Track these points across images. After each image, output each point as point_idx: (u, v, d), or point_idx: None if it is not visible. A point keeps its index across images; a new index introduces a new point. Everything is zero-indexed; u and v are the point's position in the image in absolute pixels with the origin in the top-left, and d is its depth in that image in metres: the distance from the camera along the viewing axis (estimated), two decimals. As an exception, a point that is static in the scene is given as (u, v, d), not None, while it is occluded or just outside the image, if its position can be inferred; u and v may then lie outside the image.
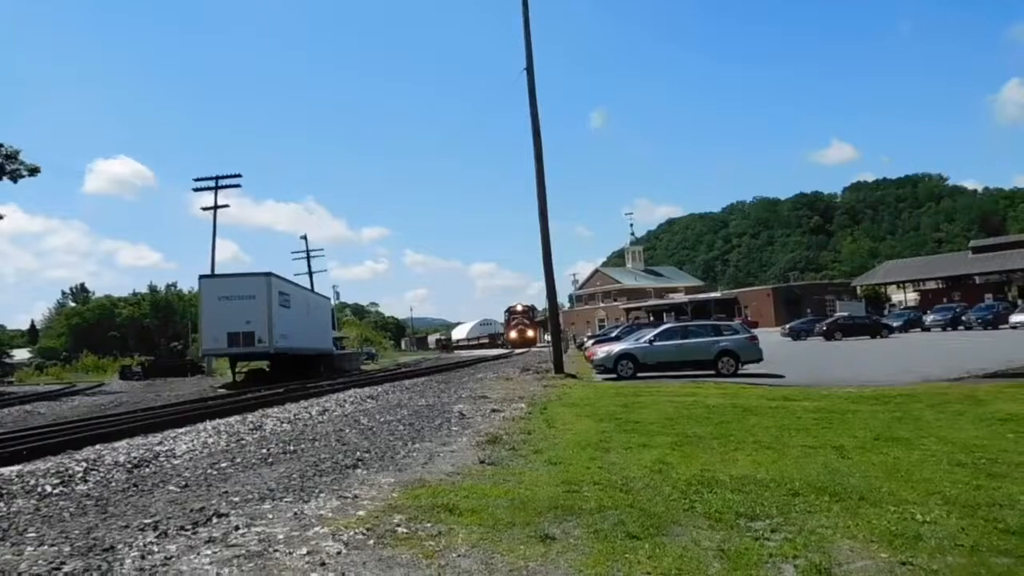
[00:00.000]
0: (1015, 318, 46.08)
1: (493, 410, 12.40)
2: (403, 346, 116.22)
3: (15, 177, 31.63)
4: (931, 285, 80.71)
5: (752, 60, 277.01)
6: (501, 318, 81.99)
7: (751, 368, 20.57)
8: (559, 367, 23.31)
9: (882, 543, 4.35)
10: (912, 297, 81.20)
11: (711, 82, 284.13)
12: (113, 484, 7.05)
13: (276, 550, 4.42)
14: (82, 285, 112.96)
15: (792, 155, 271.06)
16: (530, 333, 67.91)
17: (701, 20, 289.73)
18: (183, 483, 6.86)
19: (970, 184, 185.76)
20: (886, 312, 66.34)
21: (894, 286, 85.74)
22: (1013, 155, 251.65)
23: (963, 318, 50.08)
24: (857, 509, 5.15)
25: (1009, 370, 17.53)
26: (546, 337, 52.64)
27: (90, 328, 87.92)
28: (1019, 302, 57.90)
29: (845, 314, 53.89)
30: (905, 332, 48.62)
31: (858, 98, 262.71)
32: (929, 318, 52.82)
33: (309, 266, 60.79)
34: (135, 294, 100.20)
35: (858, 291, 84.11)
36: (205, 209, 45.32)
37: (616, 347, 22.87)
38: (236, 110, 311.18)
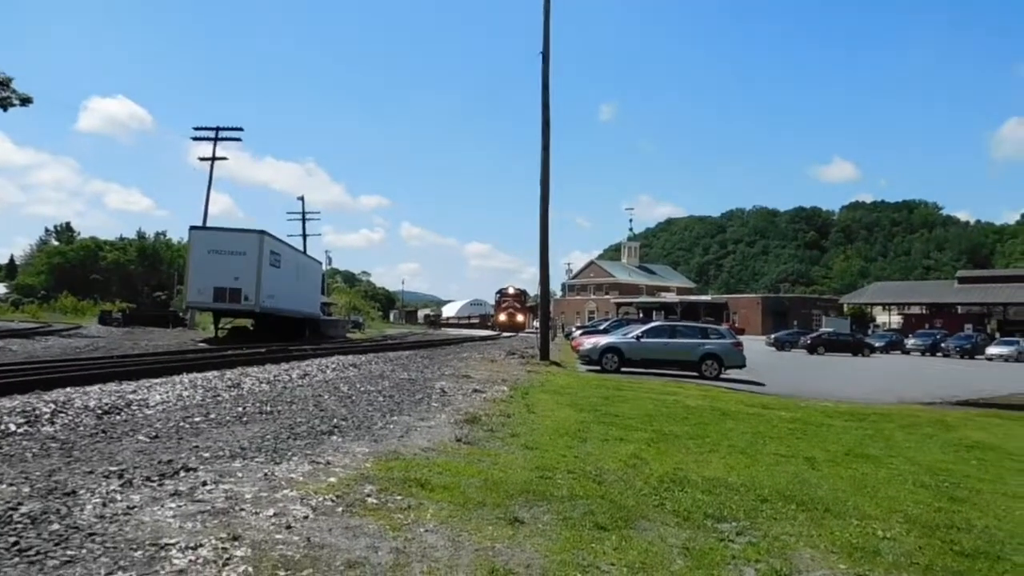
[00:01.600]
0: (991, 350, 47.02)
1: (475, 390, 12.42)
2: (391, 318, 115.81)
3: (5, 105, 30.75)
4: (915, 310, 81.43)
5: (765, 69, 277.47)
6: (492, 300, 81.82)
7: (734, 373, 20.70)
8: (545, 354, 23.36)
9: (842, 554, 4.41)
10: (896, 320, 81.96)
11: (724, 87, 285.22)
12: (81, 429, 6.98)
13: (242, 509, 4.40)
14: (67, 224, 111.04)
15: (795, 168, 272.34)
16: (519, 317, 67.76)
17: (720, 24, 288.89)
18: (153, 434, 6.82)
19: (963, 215, 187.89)
20: (870, 332, 66.92)
21: (880, 307, 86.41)
22: (1006, 191, 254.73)
23: (942, 345, 50.76)
24: (822, 520, 5.21)
25: (979, 399, 17.89)
26: (535, 323, 52.69)
27: (72, 269, 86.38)
28: (997, 335, 58.79)
29: (830, 330, 54.40)
30: (886, 353, 49.12)
31: (863, 118, 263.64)
32: (910, 342, 53.50)
33: (304, 228, 60.43)
34: (122, 239, 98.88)
35: (845, 308, 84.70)
36: (202, 159, 44.90)
37: (603, 340, 22.96)
38: (244, 63, 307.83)
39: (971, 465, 8.32)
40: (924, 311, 79.15)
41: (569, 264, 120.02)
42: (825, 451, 8.51)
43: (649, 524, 4.76)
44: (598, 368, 20.64)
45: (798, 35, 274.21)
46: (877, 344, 50.21)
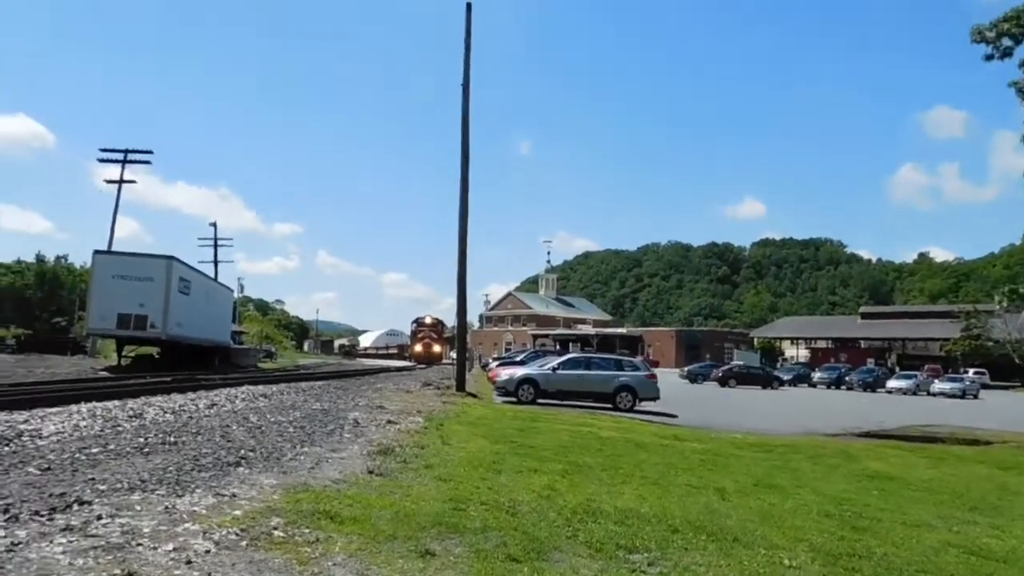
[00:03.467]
0: (891, 383, 49.99)
1: (389, 421, 12.19)
2: (306, 348, 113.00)
3: None
4: (822, 344, 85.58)
5: (679, 109, 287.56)
6: (409, 330, 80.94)
7: (648, 405, 21.12)
8: (461, 385, 23.18)
9: (749, 583, 4.52)
10: (804, 353, 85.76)
11: (642, 124, 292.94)
12: (-35, 460, 6.48)
13: (140, 544, 4.16)
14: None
15: (707, 205, 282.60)
16: (436, 348, 67.20)
17: (636, 69, 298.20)
18: (45, 465, 6.38)
19: (865, 254, 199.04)
20: (779, 365, 69.73)
21: (788, 341, 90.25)
22: (904, 233, 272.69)
23: (847, 378, 53.47)
24: (731, 550, 5.33)
25: (880, 431, 18.91)
26: (452, 354, 52.40)
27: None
28: (896, 368, 62.46)
29: (741, 363, 56.44)
30: (794, 386, 51.23)
31: (771, 160, 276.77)
32: (817, 375, 56.12)
33: (216, 255, 58.89)
34: (19, 262, 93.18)
35: (755, 342, 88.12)
36: (109, 182, 43.01)
37: (519, 371, 23.07)
38: (155, 79, 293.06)
39: (872, 495, 8.73)
40: (830, 345, 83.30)
41: (487, 295, 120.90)
42: (735, 482, 8.75)
43: (562, 555, 4.77)
44: (514, 399, 20.67)
45: (708, 79, 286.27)
46: (786, 377, 52.38)
